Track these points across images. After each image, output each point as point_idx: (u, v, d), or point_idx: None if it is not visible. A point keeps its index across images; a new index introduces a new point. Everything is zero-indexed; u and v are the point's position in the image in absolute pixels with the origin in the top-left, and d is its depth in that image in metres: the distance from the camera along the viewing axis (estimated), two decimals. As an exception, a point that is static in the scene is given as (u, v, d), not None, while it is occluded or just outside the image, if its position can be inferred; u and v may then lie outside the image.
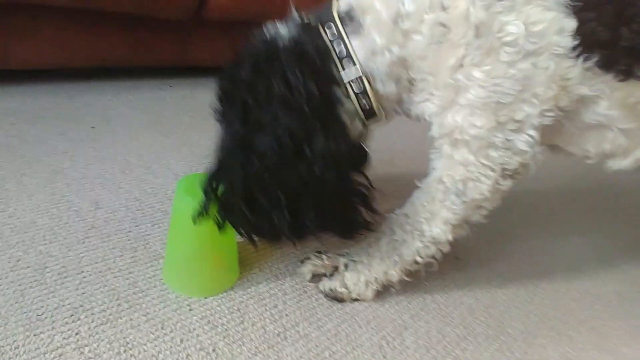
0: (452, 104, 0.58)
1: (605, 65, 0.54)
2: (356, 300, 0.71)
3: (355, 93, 0.62)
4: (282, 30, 0.62)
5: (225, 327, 0.62)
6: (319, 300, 0.70)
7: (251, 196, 0.60)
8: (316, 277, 0.73)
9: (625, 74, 0.54)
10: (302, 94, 0.56)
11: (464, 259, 0.87)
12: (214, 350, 0.59)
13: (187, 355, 0.58)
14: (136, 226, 0.80)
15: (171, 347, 0.58)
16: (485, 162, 0.60)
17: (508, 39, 0.53)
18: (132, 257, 0.72)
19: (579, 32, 0.52)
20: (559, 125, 0.61)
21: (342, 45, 0.60)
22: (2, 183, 0.86)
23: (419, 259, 0.68)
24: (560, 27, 0.53)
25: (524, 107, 0.56)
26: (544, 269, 0.90)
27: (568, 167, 1.27)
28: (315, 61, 0.59)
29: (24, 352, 0.55)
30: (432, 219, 0.65)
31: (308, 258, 0.75)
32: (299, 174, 0.58)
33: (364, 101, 0.62)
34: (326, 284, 0.71)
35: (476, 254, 0.90)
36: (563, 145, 0.66)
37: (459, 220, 0.65)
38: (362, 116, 0.64)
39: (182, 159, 1.06)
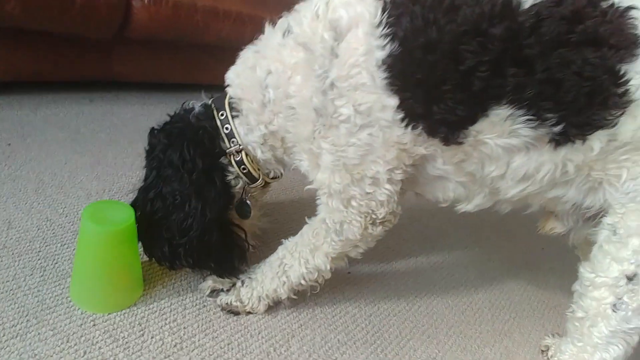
0: (316, 166, 0.72)
1: (430, 132, 0.66)
2: (250, 313, 0.81)
3: (236, 161, 0.80)
4: (196, 108, 0.81)
5: (126, 340, 0.70)
6: (217, 314, 0.80)
7: (152, 227, 0.77)
8: (215, 292, 0.82)
9: (445, 140, 0.67)
10: (188, 166, 0.76)
11: (355, 273, 0.99)
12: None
13: (89, 366, 0.65)
14: (46, 246, 0.84)
15: (75, 358, 0.65)
16: (352, 210, 0.73)
17: (342, 118, 0.66)
18: (42, 275, 0.78)
19: (401, 108, 0.64)
20: (414, 177, 0.75)
21: (228, 125, 0.79)
22: None
23: (303, 282, 0.80)
24: (382, 105, 0.64)
25: (372, 167, 0.68)
26: (426, 281, 1.04)
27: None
28: (206, 139, 0.79)
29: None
30: (315, 251, 0.78)
31: (209, 274, 0.84)
32: (181, 221, 0.76)
33: (243, 167, 0.80)
34: (223, 299, 0.80)
35: (367, 268, 1.02)
36: (421, 192, 0.80)
37: (338, 255, 0.78)
38: (245, 179, 0.82)
39: (95, 177, 1.11)
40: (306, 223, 0.81)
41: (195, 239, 0.76)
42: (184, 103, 0.83)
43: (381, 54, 0.62)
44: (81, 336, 0.69)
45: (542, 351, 0.90)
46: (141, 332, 0.72)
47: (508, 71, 0.60)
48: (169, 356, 0.69)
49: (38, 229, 0.88)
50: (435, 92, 0.62)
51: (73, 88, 1.56)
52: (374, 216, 0.73)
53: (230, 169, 0.80)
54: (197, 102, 0.82)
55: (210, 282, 0.83)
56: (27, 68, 1.39)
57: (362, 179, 0.70)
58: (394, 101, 0.64)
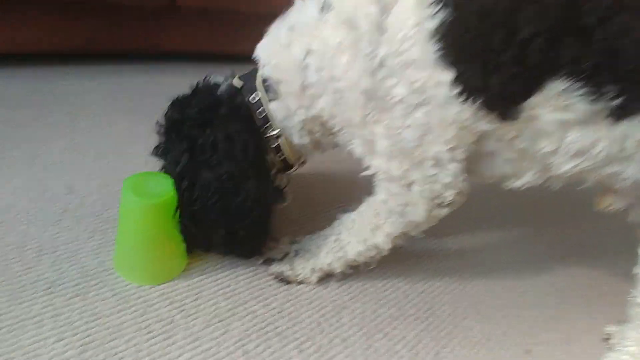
0: (371, 152, 0.68)
1: (489, 106, 0.61)
2: (301, 283, 0.81)
3: (274, 147, 0.77)
4: (222, 87, 0.75)
5: (182, 302, 0.71)
6: (268, 282, 0.80)
7: (192, 216, 0.73)
8: (267, 261, 0.82)
9: (502, 115, 0.62)
10: (240, 146, 0.71)
11: (405, 248, 0.97)
12: (171, 322, 0.68)
13: (148, 325, 0.67)
14: (106, 210, 0.88)
15: (133, 318, 0.67)
16: (415, 195, 0.69)
17: (396, 99, 0.62)
18: (102, 238, 0.81)
19: (457, 82, 0.59)
20: (476, 155, 0.70)
21: (264, 109, 0.74)
22: (-19, 166, 0.92)
23: (359, 259, 0.79)
24: (437, 81, 0.60)
25: (432, 148, 0.64)
26: (479, 262, 0.99)
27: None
28: (248, 120, 0.73)
29: (7, 318, 0.63)
30: (376, 230, 0.76)
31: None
32: (231, 206, 0.71)
33: (280, 154, 0.77)
34: (276, 267, 0.80)
35: (417, 246, 1.00)
36: (480, 170, 0.74)
37: (399, 234, 0.76)
38: (280, 166, 0.79)
39: (152, 146, 1.12)
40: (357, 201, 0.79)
41: (256, 223, 0.74)
42: (205, 77, 0.78)
43: (433, 24, 0.58)
44: (139, 297, 0.71)
45: (605, 339, 0.84)
46: (196, 297, 0.73)
47: (565, 41, 0.56)
48: (222, 320, 0.70)
49: (98, 194, 0.91)
50: (491, 63, 0.58)
51: (128, 59, 1.60)
52: (438, 200, 0.70)
53: (268, 155, 0.77)
54: (217, 77, 0.77)
55: (264, 250, 0.83)
56: (83, 40, 1.43)
57: (423, 162, 0.66)
58: (448, 75, 0.60)
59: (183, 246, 0.77)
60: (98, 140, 1.10)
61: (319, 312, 0.77)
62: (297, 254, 0.82)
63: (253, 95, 0.74)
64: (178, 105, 0.75)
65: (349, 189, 1.12)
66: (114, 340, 0.64)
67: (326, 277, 0.83)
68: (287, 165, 0.80)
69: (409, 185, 0.69)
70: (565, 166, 0.66)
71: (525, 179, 0.71)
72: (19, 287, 0.68)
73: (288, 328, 0.72)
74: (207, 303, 0.73)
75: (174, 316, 0.69)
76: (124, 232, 0.74)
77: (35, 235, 0.78)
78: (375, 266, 0.82)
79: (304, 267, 0.80)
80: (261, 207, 0.74)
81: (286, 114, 0.73)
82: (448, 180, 0.67)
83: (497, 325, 0.83)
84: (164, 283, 0.74)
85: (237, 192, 0.70)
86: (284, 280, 0.80)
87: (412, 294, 0.86)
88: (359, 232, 0.78)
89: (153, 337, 0.65)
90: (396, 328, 0.78)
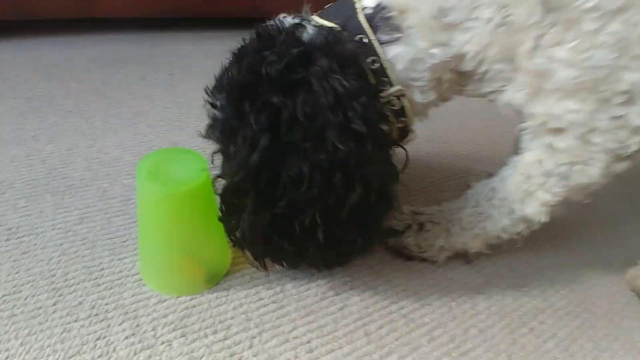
0: (538, 91, 0.51)
1: None
2: (424, 260, 0.69)
3: (392, 113, 0.55)
4: (308, 30, 0.52)
5: (294, 271, 0.63)
6: (387, 257, 0.69)
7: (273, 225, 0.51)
8: (385, 232, 0.70)
9: None
10: (357, 116, 0.48)
11: (546, 228, 0.81)
12: (281, 291, 0.59)
13: (258, 292, 0.59)
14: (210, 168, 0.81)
15: (242, 283, 0.60)
16: (591, 148, 0.53)
17: (588, 4, 0.45)
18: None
19: None
20: None
21: (378, 57, 0.53)
22: (91, 121, 0.91)
23: (503, 235, 0.64)
24: None
25: (625, 75, 0.48)
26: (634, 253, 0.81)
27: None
28: (358, 77, 0.50)
29: (109, 273, 0.59)
30: (526, 199, 0.60)
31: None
32: (341, 201, 0.49)
33: (400, 121, 0.56)
34: (397, 240, 0.68)
35: (557, 224, 0.83)
36: None
37: (559, 202, 0.59)
38: (396, 137, 0.58)
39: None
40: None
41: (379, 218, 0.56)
42: (270, 19, 0.55)
43: None
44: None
45: None
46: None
47: None
48: (339, 293, 0.60)
49: (202, 151, 0.86)
50: None
51: (227, 26, 1.57)
52: (621, 151, 0.53)
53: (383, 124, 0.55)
54: (287, 18, 0.55)
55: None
56: (186, 5, 1.41)
57: (610, 99, 0.49)
58: None
59: (223, 243, 0.58)
60: (198, 101, 1.05)
61: (449, 295, 0.64)
62: (422, 227, 0.69)
63: (358, 38, 0.53)
64: (246, 60, 0.51)
65: (469, 154, 0.98)
66: (221, 305, 0.56)
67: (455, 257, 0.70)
68: (403, 135, 0.60)
69: (588, 134, 0.52)
70: None
71: None
72: (121, 242, 0.64)
73: (415, 310, 0.61)
74: (320, 273, 0.63)
75: (284, 284, 0.60)
76: (145, 232, 0.57)
77: (140, 189, 0.74)
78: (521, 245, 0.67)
79: (431, 244, 0.67)
80: (385, 201, 0.54)
81: (411, 61, 0.53)
82: (638, 122, 0.50)
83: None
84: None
85: (351, 184, 0.49)
86: (405, 254, 0.68)
87: (560, 282, 0.70)
88: (502, 203, 0.62)
89: (264, 306, 0.57)
90: (544, 323, 0.63)
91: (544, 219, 0.61)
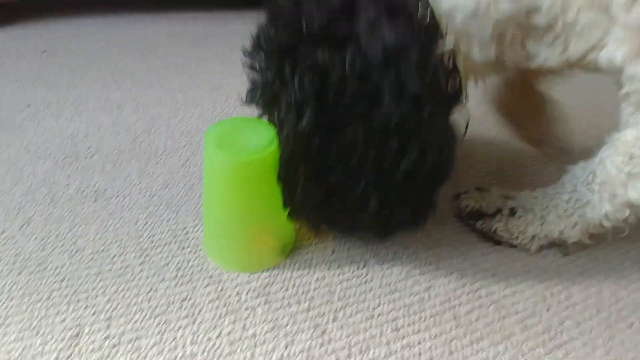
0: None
1: None
2: (513, 247, 0.64)
3: (444, 71, 0.49)
4: None
5: (376, 246, 0.60)
6: (472, 239, 0.64)
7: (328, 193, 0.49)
8: (474, 215, 0.66)
9: None
10: (412, 71, 0.43)
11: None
12: (364, 266, 0.57)
13: (340, 265, 0.57)
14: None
15: (324, 255, 0.58)
16: None
17: None
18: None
19: None
20: None
21: (429, 8, 0.47)
22: (172, 94, 0.93)
23: (605, 223, 0.57)
24: None
25: None
26: None
27: None
28: (411, 28, 0.45)
29: (193, 237, 0.59)
30: (630, 182, 0.54)
31: (466, 192, 0.68)
32: (394, 167, 0.45)
33: (453, 77, 0.50)
34: (486, 224, 0.64)
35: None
36: None
37: None
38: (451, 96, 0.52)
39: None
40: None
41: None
42: None
43: None
44: (331, 237, 0.61)
45: None
46: (392, 242, 0.61)
47: None
48: (424, 273, 0.58)
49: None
50: None
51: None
52: None
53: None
54: None
55: (470, 201, 0.66)
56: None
57: None
58: None
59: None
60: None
61: (541, 284, 0.59)
62: (513, 212, 0.64)
63: None
64: (282, 15, 0.47)
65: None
66: (304, 276, 0.55)
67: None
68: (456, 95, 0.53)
69: None
70: None
71: None
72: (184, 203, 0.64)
73: (506, 297, 0.56)
74: (405, 251, 0.60)
75: (367, 259, 0.58)
76: (208, 200, 0.55)
77: (220, 159, 0.74)
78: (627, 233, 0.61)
79: (523, 232, 0.62)
80: (441, 170, 0.50)
81: (472, 14, 0.48)
82: None
83: None
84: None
85: (407, 149, 0.45)
86: (494, 240, 0.64)
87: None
88: (603, 187, 0.56)
89: (347, 280, 0.55)
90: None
91: None
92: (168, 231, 0.60)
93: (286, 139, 0.46)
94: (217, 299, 0.52)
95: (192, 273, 0.54)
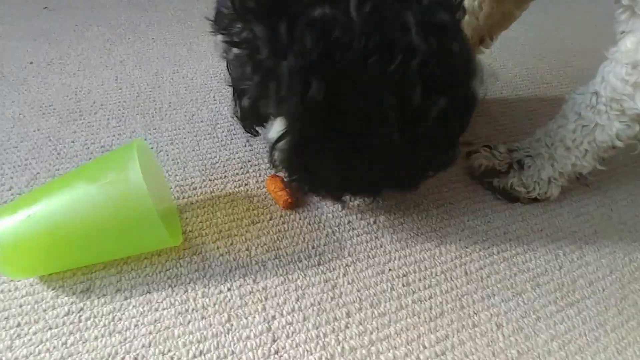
0: None
1: None
2: (535, 200, 0.63)
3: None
4: None
5: (386, 203, 0.59)
6: (486, 197, 0.63)
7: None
8: (489, 173, 0.65)
9: None
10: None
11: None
12: (374, 222, 0.56)
13: (350, 221, 0.56)
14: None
15: (333, 211, 0.57)
16: None
17: None
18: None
19: None
20: None
21: None
22: (175, 48, 0.90)
23: (618, 144, 0.55)
24: None
25: None
26: None
27: None
28: None
29: (201, 193, 0.58)
30: (637, 93, 0.51)
31: (477, 152, 0.66)
32: (422, 116, 0.42)
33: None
34: (502, 181, 0.63)
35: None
36: None
37: None
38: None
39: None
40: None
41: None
42: None
43: None
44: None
45: None
46: (402, 198, 0.60)
47: None
48: (435, 230, 0.57)
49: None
50: None
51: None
52: None
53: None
54: None
55: (482, 160, 0.65)
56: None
57: None
58: None
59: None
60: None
61: (554, 243, 0.59)
62: (521, 164, 0.63)
63: None
64: None
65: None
66: (313, 232, 0.54)
67: (570, 187, 0.63)
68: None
69: None
70: None
71: None
72: (211, 164, 0.63)
73: (518, 254, 0.56)
74: (415, 209, 0.59)
75: (377, 216, 0.57)
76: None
77: (226, 114, 0.72)
78: (622, 183, 0.60)
79: (539, 178, 0.61)
80: (468, 112, 0.48)
81: None
82: None
83: None
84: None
85: (435, 95, 0.42)
86: (512, 197, 0.63)
87: (679, 240, 0.63)
88: (609, 105, 0.53)
89: (357, 236, 0.55)
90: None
91: None
92: (175, 186, 0.59)
93: (293, 115, 0.41)
94: (227, 253, 0.51)
95: (202, 228, 0.54)
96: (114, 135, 0.68)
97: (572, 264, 0.56)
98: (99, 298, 0.47)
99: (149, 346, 0.43)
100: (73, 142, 0.67)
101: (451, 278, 0.52)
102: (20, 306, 0.45)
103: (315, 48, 0.37)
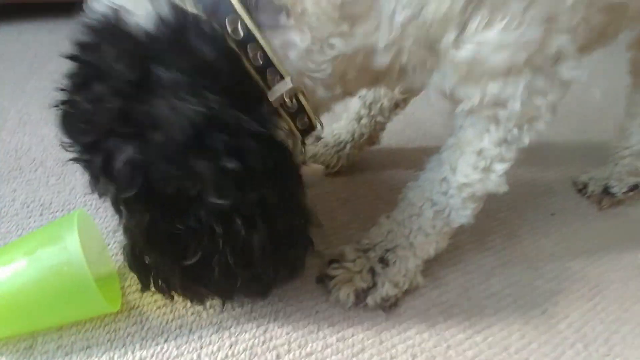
0: (470, 75, 0.47)
1: None
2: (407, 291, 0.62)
3: (288, 112, 0.47)
4: (163, 11, 0.39)
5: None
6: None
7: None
8: (361, 296, 0.59)
9: None
10: (228, 146, 0.40)
11: (560, 213, 0.82)
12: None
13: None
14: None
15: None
16: (537, 107, 0.50)
17: None
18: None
19: None
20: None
21: (257, 48, 0.42)
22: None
23: (471, 220, 0.59)
24: None
25: (553, 41, 0.45)
26: None
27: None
28: (240, 81, 0.42)
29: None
30: (485, 176, 0.55)
31: (328, 276, 0.60)
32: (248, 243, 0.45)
33: (301, 118, 0.48)
34: (376, 296, 0.58)
35: (572, 210, 0.84)
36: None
37: (510, 166, 0.55)
38: (298, 135, 0.50)
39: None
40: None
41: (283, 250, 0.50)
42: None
43: None
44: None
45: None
46: (325, 246, 0.66)
47: None
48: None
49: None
50: None
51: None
52: (558, 101, 0.53)
53: (279, 123, 0.47)
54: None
55: (345, 289, 0.58)
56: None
57: (543, 65, 0.48)
58: None
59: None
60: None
61: (464, 277, 0.66)
62: (386, 263, 0.60)
63: (231, 22, 0.41)
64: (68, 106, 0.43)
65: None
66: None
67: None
68: (308, 131, 0.51)
69: (529, 98, 0.49)
70: None
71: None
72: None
73: (431, 289, 0.63)
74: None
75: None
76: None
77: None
78: (527, 230, 0.69)
79: (406, 271, 0.60)
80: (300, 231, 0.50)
81: (307, 51, 0.44)
82: (568, 76, 0.49)
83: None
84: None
85: (253, 226, 0.44)
86: (389, 305, 0.59)
87: (574, 267, 0.72)
88: (462, 189, 0.56)
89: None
90: (557, 305, 0.65)
91: (505, 188, 0.56)
92: (114, 244, 0.62)
93: (125, 231, 0.46)
94: (163, 305, 0.55)
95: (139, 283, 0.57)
96: (53, 193, 0.70)
97: (480, 295, 0.64)
98: (41, 355, 0.49)
99: (87, 402, 0.45)
100: (13, 200, 0.69)
101: (371, 316, 0.57)
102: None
103: (132, 183, 0.40)
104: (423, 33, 0.44)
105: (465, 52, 0.44)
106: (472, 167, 0.55)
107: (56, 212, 0.67)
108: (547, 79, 0.49)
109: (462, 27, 0.43)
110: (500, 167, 0.54)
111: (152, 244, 0.45)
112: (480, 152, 0.54)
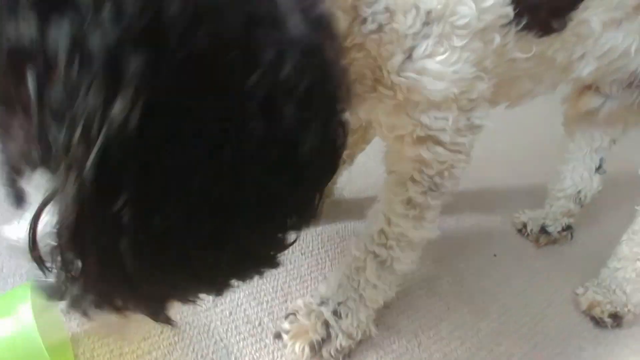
0: (407, 102, 0.49)
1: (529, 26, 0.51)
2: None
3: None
4: None
5: (270, 304, 0.67)
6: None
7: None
8: (316, 347, 0.60)
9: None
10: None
11: (501, 254, 0.88)
12: (259, 324, 0.63)
13: (236, 326, 0.63)
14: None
15: (222, 318, 0.63)
16: (457, 151, 0.54)
17: (460, 22, 0.45)
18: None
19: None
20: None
21: None
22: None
23: (413, 266, 0.62)
24: None
25: (477, 85, 0.50)
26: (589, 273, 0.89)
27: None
28: None
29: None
30: (418, 224, 0.57)
31: (285, 331, 0.62)
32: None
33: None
34: (330, 348, 0.60)
35: (512, 250, 0.90)
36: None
37: (438, 212, 0.59)
38: None
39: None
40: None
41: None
42: None
43: None
44: (227, 297, 0.67)
45: None
46: (284, 299, 0.68)
47: None
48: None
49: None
50: None
51: None
52: (470, 149, 0.57)
53: None
54: None
55: (301, 342, 0.60)
56: None
57: (465, 106, 0.51)
58: None
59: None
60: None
61: (414, 323, 0.70)
62: (338, 314, 0.61)
63: None
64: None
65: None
66: (200, 342, 0.60)
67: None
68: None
69: (452, 138, 0.52)
70: (587, 69, 0.61)
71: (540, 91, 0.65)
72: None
73: (384, 338, 0.66)
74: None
75: (262, 318, 0.64)
76: None
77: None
78: (471, 273, 0.74)
79: (358, 323, 0.62)
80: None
81: None
82: (480, 122, 0.53)
83: (613, 348, 0.73)
84: (250, 284, 0.69)
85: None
86: (347, 356, 0.62)
87: (515, 307, 0.77)
88: (400, 239, 0.58)
89: (244, 339, 0.61)
90: (501, 345, 0.70)
91: (437, 233, 0.60)
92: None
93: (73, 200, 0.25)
94: (118, 372, 0.55)
95: (94, 349, 0.57)
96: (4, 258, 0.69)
97: (429, 340, 0.67)
98: None
99: None
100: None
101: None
102: None
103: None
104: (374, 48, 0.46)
105: (406, 75, 0.46)
106: (403, 215, 0.57)
107: (7, 277, 0.66)
108: (467, 120, 0.53)
109: (409, 53, 0.46)
110: (429, 215, 0.57)
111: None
112: (408, 201, 0.56)
